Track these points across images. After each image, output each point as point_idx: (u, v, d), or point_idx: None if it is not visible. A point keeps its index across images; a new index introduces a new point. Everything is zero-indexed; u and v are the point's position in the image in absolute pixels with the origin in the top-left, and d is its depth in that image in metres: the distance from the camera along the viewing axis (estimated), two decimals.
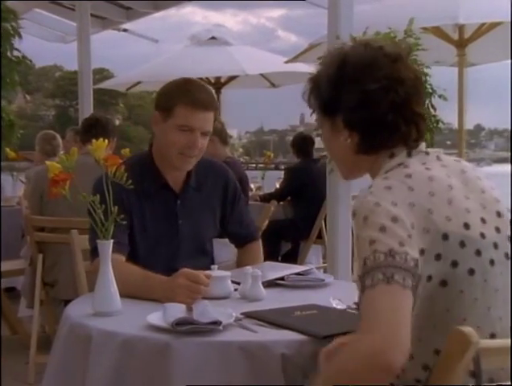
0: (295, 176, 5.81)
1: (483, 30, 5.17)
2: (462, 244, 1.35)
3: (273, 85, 8.71)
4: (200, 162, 2.36)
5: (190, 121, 2.22)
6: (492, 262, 1.38)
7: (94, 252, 2.00)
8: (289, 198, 5.86)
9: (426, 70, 4.24)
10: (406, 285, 1.26)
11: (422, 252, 1.32)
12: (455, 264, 1.34)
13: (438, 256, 1.34)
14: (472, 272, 1.35)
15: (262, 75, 8.30)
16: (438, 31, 5.12)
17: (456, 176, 1.45)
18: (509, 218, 1.45)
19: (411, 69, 1.51)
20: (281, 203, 5.71)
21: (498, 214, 1.44)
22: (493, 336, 1.36)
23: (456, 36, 5.32)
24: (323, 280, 2.22)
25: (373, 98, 1.45)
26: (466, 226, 1.37)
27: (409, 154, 1.48)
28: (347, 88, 1.47)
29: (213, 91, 2.39)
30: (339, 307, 1.87)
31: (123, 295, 1.90)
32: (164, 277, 1.98)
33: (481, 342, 1.17)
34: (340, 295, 1.95)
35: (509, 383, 1.28)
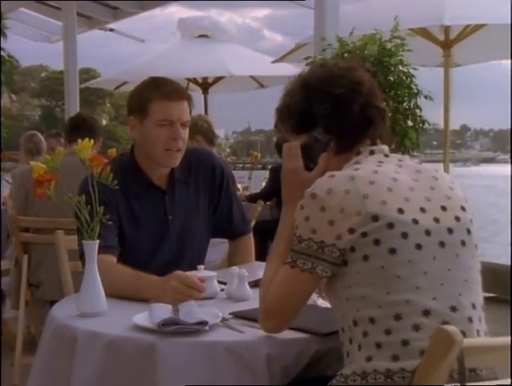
0: (279, 176, 5.81)
1: (467, 31, 5.20)
2: (390, 226, 1.48)
3: (261, 86, 8.71)
4: (184, 153, 2.34)
5: (168, 114, 2.21)
6: (418, 246, 1.49)
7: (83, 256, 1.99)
8: (275, 198, 5.86)
9: (412, 71, 4.26)
10: (304, 269, 1.52)
11: (351, 230, 1.49)
12: (377, 242, 1.48)
13: (364, 234, 1.48)
14: (393, 251, 1.47)
15: (249, 75, 8.30)
16: (424, 32, 5.15)
17: (407, 174, 1.59)
18: (456, 214, 1.56)
19: (366, 74, 1.72)
20: (267, 203, 5.71)
21: (443, 208, 1.56)
22: (426, 313, 1.43)
23: (441, 37, 5.34)
24: None
25: (343, 100, 1.63)
26: (400, 211, 1.50)
27: (371, 152, 1.64)
28: (318, 100, 1.64)
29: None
30: (323, 306, 1.88)
31: (114, 295, 1.91)
32: (156, 277, 1.98)
33: (465, 341, 1.17)
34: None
35: (492, 382, 1.30)
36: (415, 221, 1.50)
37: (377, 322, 1.46)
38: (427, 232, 1.51)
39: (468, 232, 1.56)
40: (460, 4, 4.67)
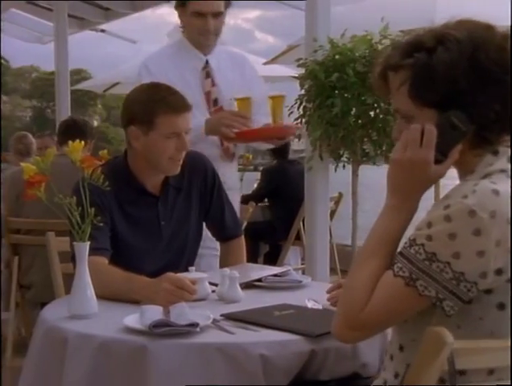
0: (271, 177, 5.82)
1: None
2: None
3: None
4: None
5: (175, 127, 2.19)
6: None
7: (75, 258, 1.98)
8: (266, 199, 5.86)
9: None
10: (423, 294, 1.26)
11: (499, 271, 1.24)
12: None
13: (509, 280, 1.26)
14: None
15: None
16: None
17: None
18: None
19: None
20: (259, 204, 5.72)
21: None
22: None
23: None
24: (300, 281, 2.22)
25: (507, 88, 1.30)
26: None
27: (510, 159, 1.34)
28: (481, 82, 1.29)
29: None
30: (315, 307, 1.89)
31: (106, 297, 1.92)
32: (147, 278, 1.99)
33: (456, 342, 1.17)
34: (316, 296, 1.96)
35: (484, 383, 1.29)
36: None
37: (467, 375, 1.26)
38: None
39: None
40: (451, 6, 4.68)
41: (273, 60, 5.99)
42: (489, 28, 1.35)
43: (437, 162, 1.33)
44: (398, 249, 1.34)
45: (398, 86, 1.35)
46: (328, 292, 1.90)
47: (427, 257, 1.25)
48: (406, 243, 1.30)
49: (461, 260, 1.23)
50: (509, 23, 1.39)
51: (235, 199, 2.92)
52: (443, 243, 1.24)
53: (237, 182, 3.17)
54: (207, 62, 2.93)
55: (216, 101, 2.89)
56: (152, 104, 2.19)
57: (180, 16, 2.92)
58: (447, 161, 1.33)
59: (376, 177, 4.00)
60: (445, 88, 1.29)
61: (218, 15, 2.85)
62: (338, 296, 1.81)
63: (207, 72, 2.92)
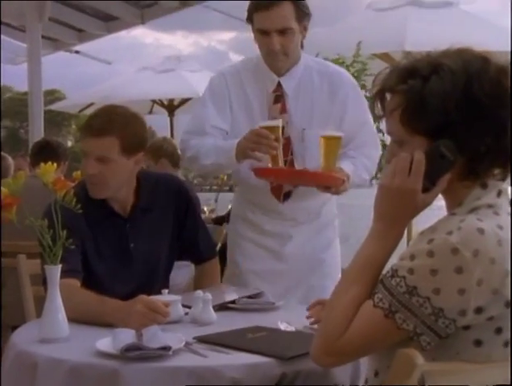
0: None
1: None
2: None
3: None
4: (149, 180, 2.35)
5: (84, 146, 2.24)
6: None
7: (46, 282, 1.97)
8: None
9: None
10: (401, 327, 1.26)
11: (479, 310, 1.25)
12: (499, 330, 1.28)
13: (490, 319, 1.26)
14: (506, 344, 1.29)
15: None
16: (386, 57, 5.24)
17: None
18: None
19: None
20: None
21: None
22: None
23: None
24: (273, 303, 2.22)
25: (502, 123, 1.30)
26: None
27: (499, 194, 1.34)
28: (474, 117, 1.29)
29: (125, 115, 2.24)
30: (288, 330, 1.89)
31: (78, 320, 1.90)
32: (120, 301, 1.98)
33: (426, 364, 1.18)
34: (289, 318, 1.97)
35: None
36: None
37: None
38: None
39: None
40: (421, 31, 4.77)
41: None
42: (485, 60, 1.33)
43: (425, 190, 1.33)
44: (382, 274, 1.34)
45: (391, 110, 1.36)
46: (309, 309, 1.92)
47: (408, 291, 1.25)
48: (388, 272, 1.31)
49: (441, 296, 1.23)
50: (482, 48, 1.39)
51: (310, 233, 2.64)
52: (424, 278, 1.24)
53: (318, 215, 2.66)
54: (279, 84, 2.53)
55: (282, 130, 2.38)
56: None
57: (252, 32, 2.52)
58: (434, 189, 1.33)
59: (351, 196, 4.03)
60: (436, 118, 1.29)
61: (285, 32, 2.42)
62: (318, 313, 1.84)
63: (277, 97, 2.52)
